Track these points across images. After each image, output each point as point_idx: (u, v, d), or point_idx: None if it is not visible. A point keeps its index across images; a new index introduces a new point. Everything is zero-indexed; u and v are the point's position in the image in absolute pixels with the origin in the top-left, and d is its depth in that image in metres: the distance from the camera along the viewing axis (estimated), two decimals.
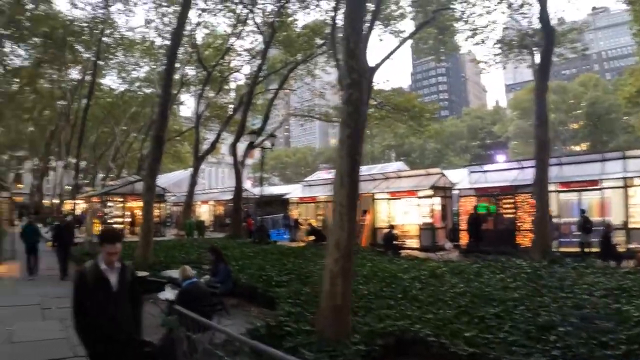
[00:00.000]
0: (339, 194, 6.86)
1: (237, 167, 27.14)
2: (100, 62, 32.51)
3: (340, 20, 18.09)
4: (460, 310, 7.72)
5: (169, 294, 8.27)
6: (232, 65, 35.46)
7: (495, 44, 22.16)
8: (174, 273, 10.26)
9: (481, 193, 21.38)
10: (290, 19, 28.00)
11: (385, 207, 24.17)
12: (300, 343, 6.16)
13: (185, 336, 4.94)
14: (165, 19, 28.76)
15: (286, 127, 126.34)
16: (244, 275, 11.45)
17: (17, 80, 38.64)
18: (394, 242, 19.18)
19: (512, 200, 20.07)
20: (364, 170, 23.69)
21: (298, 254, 15.43)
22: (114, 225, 28.58)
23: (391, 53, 20.30)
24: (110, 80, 44.70)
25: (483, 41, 22.07)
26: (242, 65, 36.27)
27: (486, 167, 24.22)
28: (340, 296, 6.58)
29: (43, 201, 53.56)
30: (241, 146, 28.58)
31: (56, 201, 47.80)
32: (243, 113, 28.22)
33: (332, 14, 19.56)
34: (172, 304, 8.16)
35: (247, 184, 48.83)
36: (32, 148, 52.30)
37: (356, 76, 7.05)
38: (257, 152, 36.83)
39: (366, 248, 19.70)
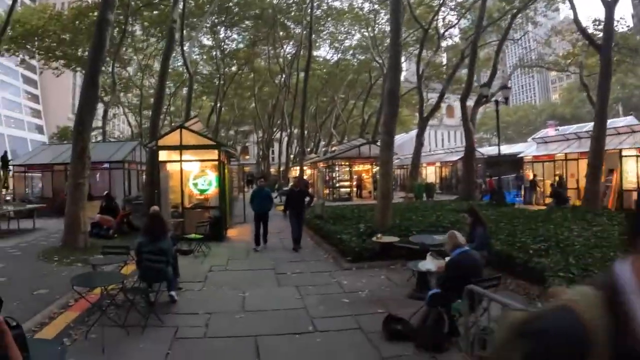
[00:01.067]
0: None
1: (467, 125, 25.33)
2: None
3: None
4: None
5: (430, 264, 6.94)
6: (446, 21, 33.67)
7: None
8: (427, 239, 9.16)
9: None
10: None
11: (633, 165, 20.03)
12: None
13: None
14: None
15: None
16: (494, 241, 9.84)
17: (235, 62, 42.02)
18: None
19: None
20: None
21: (545, 218, 13.69)
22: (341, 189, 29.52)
23: None
24: (324, 51, 46.42)
25: None
26: (456, 21, 34.11)
27: None
28: None
29: (270, 170, 58.41)
30: (456, 106, 26.47)
31: (282, 169, 52.12)
32: (469, 68, 26.14)
33: None
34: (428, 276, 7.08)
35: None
36: (256, 122, 56.70)
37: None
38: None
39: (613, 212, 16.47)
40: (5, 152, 23.54)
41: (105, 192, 15.56)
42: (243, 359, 5.43)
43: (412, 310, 6.36)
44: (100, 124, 34.11)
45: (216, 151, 14.76)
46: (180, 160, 14.52)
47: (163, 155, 14.78)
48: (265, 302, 7.56)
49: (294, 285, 8.65)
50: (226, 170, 16.84)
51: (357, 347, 5.67)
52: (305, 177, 35.02)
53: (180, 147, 14.42)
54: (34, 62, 36.67)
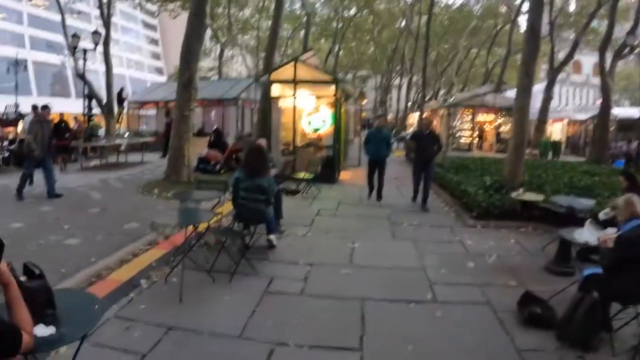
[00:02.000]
0: None
1: (605, 80, 21.55)
2: None
3: None
4: None
5: (589, 234, 5.11)
6: None
7: None
8: (573, 202, 7.31)
9: None
10: None
11: None
12: None
13: None
14: None
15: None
16: None
17: (354, 4, 39.96)
18: None
19: None
20: None
21: None
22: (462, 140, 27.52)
23: None
24: None
25: None
26: None
27: None
28: None
29: (387, 116, 56.73)
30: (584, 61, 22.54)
31: (399, 115, 50.29)
32: (610, 14, 21.99)
33: None
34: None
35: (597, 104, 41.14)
36: (374, 67, 54.67)
37: None
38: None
39: None
40: (122, 89, 24.21)
41: (215, 127, 15.02)
42: (344, 328, 4.20)
43: (549, 287, 4.95)
44: (216, 64, 34.34)
45: (333, 87, 13.44)
46: (294, 96, 13.45)
47: (276, 90, 13.79)
48: (376, 257, 6.28)
49: (410, 239, 7.26)
50: (342, 109, 15.57)
51: (485, 330, 4.26)
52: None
53: (294, 82, 13.29)
54: (151, 5, 37.46)
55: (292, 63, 13.49)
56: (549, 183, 10.81)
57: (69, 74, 54.21)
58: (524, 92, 10.45)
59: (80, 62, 20.26)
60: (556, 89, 65.85)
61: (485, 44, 41.83)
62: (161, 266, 5.63)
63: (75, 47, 19.58)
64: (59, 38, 28.42)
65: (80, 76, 21.09)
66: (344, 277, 5.51)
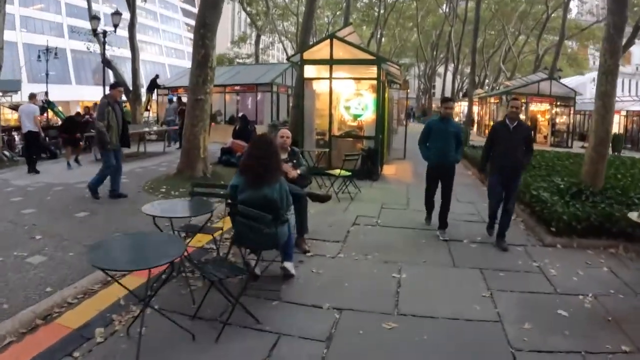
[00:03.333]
0: None
1: None
2: None
3: None
4: None
5: None
6: None
7: None
8: None
9: None
10: None
11: None
12: None
13: None
14: None
15: None
16: None
17: None
18: None
19: None
20: None
21: None
22: None
23: None
24: None
25: None
26: None
27: None
28: None
29: (431, 104, 54.47)
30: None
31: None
32: None
33: None
34: None
35: None
36: (418, 54, 52.38)
37: None
38: None
39: None
40: (157, 76, 22.96)
41: (241, 113, 13.33)
42: None
43: None
44: (253, 49, 32.90)
45: (375, 68, 11.50)
46: (330, 78, 11.58)
47: (310, 72, 11.98)
48: (432, 298, 4.44)
49: (475, 265, 5.34)
50: (386, 94, 13.63)
51: None
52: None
53: (331, 62, 11.43)
54: None
55: (328, 40, 11.61)
56: (632, 186, 8.49)
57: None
58: (609, 75, 8.21)
59: (107, 47, 19.14)
60: None
61: (535, 30, 39.14)
62: (130, 304, 3.99)
63: (95, 30, 18.26)
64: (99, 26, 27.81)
65: (105, 62, 19.99)
66: (386, 335, 3.69)
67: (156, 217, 4.28)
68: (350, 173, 9.02)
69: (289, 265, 4.60)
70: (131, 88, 20.17)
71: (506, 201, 6.21)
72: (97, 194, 7.99)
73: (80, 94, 46.57)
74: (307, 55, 11.82)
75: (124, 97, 20.03)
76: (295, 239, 5.27)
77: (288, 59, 14.36)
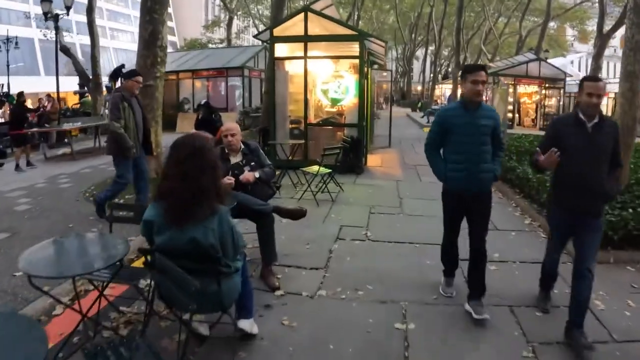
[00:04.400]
0: None
1: None
2: None
3: None
4: None
5: None
6: None
7: None
8: None
9: None
10: None
11: None
12: None
13: None
14: None
15: None
16: None
17: None
18: None
19: None
20: None
21: None
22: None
23: None
24: None
25: None
26: None
27: None
28: None
29: (410, 88, 53.34)
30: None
31: (420, 88, 46.75)
32: None
33: None
34: None
35: None
36: (396, 37, 51.03)
37: None
38: None
39: None
40: (122, 65, 21.03)
41: (203, 100, 11.64)
42: None
43: None
44: (224, 33, 31.13)
45: (357, 45, 10.00)
46: (305, 57, 10.04)
47: (281, 51, 10.45)
48: None
49: (496, 294, 3.93)
50: (369, 75, 12.14)
51: None
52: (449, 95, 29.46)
53: (306, 39, 9.89)
54: None
55: (302, 14, 10.04)
56: None
57: (78, 50, 51.16)
58: (637, 52, 6.83)
59: (64, 34, 17.34)
60: (581, 60, 60.22)
61: (516, 11, 38.08)
62: None
63: (46, 14, 16.31)
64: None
65: (63, 49, 18.18)
66: None
67: (32, 277, 2.68)
68: (330, 170, 7.56)
69: (246, 324, 3.12)
70: (91, 77, 18.44)
71: (581, 258, 3.38)
72: (103, 212, 6.09)
73: (51, 85, 43.97)
74: (278, 31, 10.26)
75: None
76: (260, 269, 3.85)
77: (256, 36, 12.69)
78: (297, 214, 4.69)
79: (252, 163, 4.23)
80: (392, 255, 5.00)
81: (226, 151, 4.26)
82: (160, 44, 7.98)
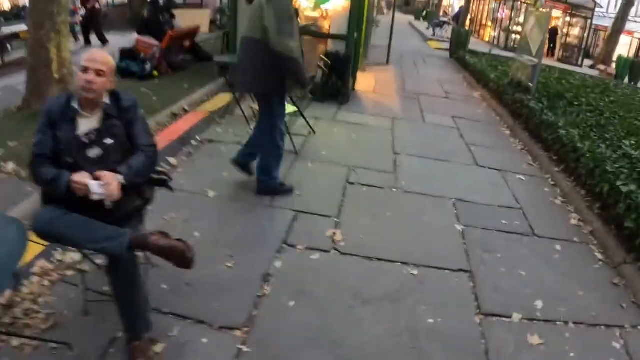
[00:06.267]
0: None
1: None
2: None
3: None
4: None
5: None
6: None
7: None
8: None
9: None
10: None
11: None
12: None
13: None
14: None
15: None
16: None
17: None
18: None
19: None
20: None
21: None
22: None
23: None
24: None
25: None
26: None
27: None
28: None
29: None
30: None
31: None
32: None
33: None
34: None
35: None
36: None
37: None
38: None
39: None
40: None
41: None
42: None
43: None
44: None
45: None
46: None
47: None
48: None
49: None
50: None
51: None
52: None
53: None
54: None
55: None
56: None
57: None
58: None
59: None
60: None
61: None
62: None
63: None
64: None
65: None
66: None
67: None
68: (297, 108, 5.14)
69: None
70: None
71: None
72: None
73: None
74: None
75: None
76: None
77: None
78: (175, 255, 2.02)
79: (112, 139, 2.03)
80: (368, 295, 2.76)
81: (75, 106, 2.00)
82: None
